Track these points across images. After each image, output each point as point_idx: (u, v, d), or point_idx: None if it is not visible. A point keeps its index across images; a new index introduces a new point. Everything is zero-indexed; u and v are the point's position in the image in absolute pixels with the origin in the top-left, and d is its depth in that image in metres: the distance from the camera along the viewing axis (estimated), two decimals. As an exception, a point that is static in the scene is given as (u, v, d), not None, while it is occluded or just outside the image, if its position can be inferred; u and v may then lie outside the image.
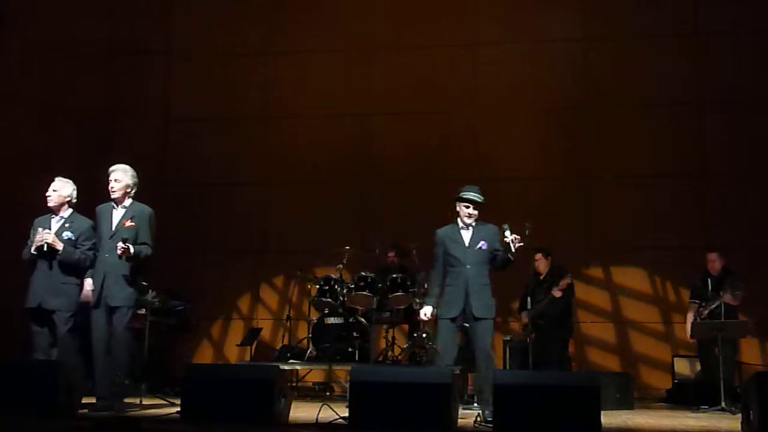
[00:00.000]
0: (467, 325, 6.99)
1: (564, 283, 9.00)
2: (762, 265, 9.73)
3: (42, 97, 10.44)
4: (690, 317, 8.86)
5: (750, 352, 9.82)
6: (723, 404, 8.07)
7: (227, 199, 11.54)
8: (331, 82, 11.47)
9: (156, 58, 12.01)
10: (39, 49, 10.46)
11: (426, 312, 7.12)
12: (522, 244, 6.83)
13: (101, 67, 11.50)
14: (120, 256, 6.78)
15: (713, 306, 8.61)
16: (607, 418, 6.22)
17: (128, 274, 6.90)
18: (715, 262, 8.84)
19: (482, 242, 6.96)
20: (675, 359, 9.87)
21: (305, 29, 11.68)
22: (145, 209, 7.08)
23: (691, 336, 9.01)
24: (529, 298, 8.99)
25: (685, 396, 9.16)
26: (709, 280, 8.78)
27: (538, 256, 9.28)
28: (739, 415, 6.26)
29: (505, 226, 6.99)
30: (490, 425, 6.17)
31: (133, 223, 6.94)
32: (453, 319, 6.93)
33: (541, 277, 9.28)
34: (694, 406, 8.42)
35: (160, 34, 12.03)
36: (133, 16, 11.87)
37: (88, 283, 6.95)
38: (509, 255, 6.86)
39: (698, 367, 9.22)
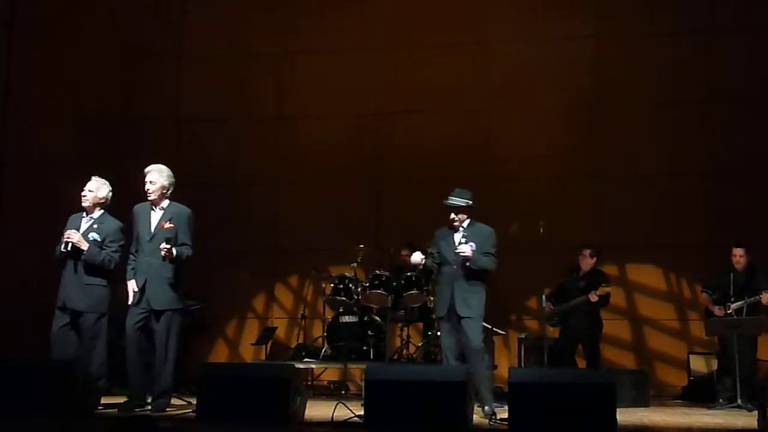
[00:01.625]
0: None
1: (604, 290, 8.95)
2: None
3: (55, 100, 10.48)
4: (717, 311, 8.72)
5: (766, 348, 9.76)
6: (739, 401, 8.03)
7: (241, 199, 11.56)
8: (344, 81, 11.46)
9: (168, 58, 12.02)
10: (52, 52, 10.50)
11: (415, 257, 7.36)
12: (467, 254, 7.02)
13: (114, 70, 11.53)
14: (163, 258, 6.79)
15: (741, 303, 8.51)
16: (623, 415, 6.22)
17: (171, 277, 6.88)
18: (741, 257, 8.69)
19: (471, 243, 7.13)
20: (690, 356, 9.84)
21: (317, 30, 11.68)
22: (183, 210, 7.07)
23: (707, 334, 8.97)
24: (564, 292, 9.01)
25: (700, 393, 9.12)
26: (732, 275, 8.65)
27: (586, 251, 9.22)
28: (756, 413, 6.25)
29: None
30: (494, 420, 6.21)
31: (171, 225, 6.93)
32: (443, 318, 7.18)
33: (579, 274, 9.22)
34: (710, 403, 8.39)
35: (173, 36, 12.05)
36: (145, 17, 11.91)
37: (132, 284, 6.95)
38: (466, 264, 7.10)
39: (714, 364, 9.18)
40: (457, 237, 7.20)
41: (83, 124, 10.74)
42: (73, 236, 6.90)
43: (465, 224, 7.25)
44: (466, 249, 7.04)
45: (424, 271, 7.35)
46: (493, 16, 11.38)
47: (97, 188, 7.14)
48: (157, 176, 7.02)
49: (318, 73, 11.61)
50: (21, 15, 10.26)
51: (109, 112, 11.34)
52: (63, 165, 9.83)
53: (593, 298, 8.90)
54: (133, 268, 7.00)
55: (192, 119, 11.85)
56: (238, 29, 11.93)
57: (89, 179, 7.25)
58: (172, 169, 7.22)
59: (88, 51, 11.04)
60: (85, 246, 6.91)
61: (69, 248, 6.91)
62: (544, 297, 8.74)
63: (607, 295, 9.05)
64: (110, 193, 7.21)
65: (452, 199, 7.25)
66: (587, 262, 9.24)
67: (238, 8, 11.93)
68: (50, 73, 10.46)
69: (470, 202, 7.26)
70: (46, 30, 10.43)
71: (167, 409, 6.86)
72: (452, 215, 7.23)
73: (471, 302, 7.08)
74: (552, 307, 9.15)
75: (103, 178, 7.32)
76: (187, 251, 6.96)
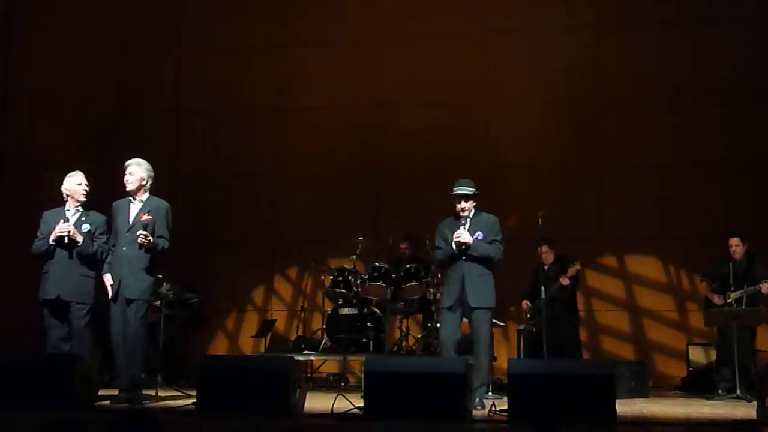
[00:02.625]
0: (465, 318, 7.18)
1: (573, 269, 8.98)
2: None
3: (54, 93, 10.45)
4: (716, 299, 8.69)
5: (766, 339, 9.76)
6: (738, 392, 8.04)
7: (240, 192, 11.56)
8: (343, 73, 11.46)
9: (167, 52, 12.01)
10: (50, 45, 10.47)
11: (461, 235, 7.08)
12: (466, 240, 7.02)
13: (112, 62, 11.51)
14: (140, 246, 6.80)
15: (741, 293, 8.49)
16: (622, 406, 6.22)
17: (145, 267, 6.90)
18: (737, 246, 8.66)
19: (479, 233, 7.13)
20: (690, 347, 9.86)
21: (316, 21, 11.67)
22: (162, 203, 7.09)
23: (706, 324, 8.97)
24: (536, 288, 8.97)
25: (700, 384, 9.13)
26: (731, 264, 8.61)
27: (545, 248, 9.22)
28: (755, 403, 6.25)
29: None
30: (493, 411, 6.22)
31: (149, 217, 6.94)
32: (450, 308, 7.11)
33: (546, 267, 9.23)
34: (709, 394, 8.40)
35: (171, 28, 12.04)
36: (143, 10, 11.88)
37: (107, 278, 6.98)
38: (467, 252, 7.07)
39: (713, 355, 9.19)
40: (464, 227, 7.14)
41: (82, 117, 10.72)
42: (69, 228, 6.91)
43: (471, 214, 7.21)
44: (465, 235, 7.02)
45: (450, 258, 7.26)
46: (491, 7, 11.36)
47: (83, 181, 7.20)
48: (136, 168, 7.04)
49: (317, 65, 11.59)
50: (19, 8, 10.23)
51: (108, 105, 11.32)
52: (62, 159, 9.79)
53: (564, 281, 8.97)
54: (109, 262, 7.02)
55: (191, 112, 11.86)
56: (236, 22, 11.91)
57: (91, 173, 7.29)
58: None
59: (87, 44, 11.03)
60: (80, 238, 6.95)
61: (66, 241, 6.92)
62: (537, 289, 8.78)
63: (577, 274, 9.08)
64: None
65: (461, 188, 7.19)
66: (549, 256, 9.24)
67: (236, 1, 11.91)
68: (49, 67, 10.43)
69: (476, 191, 7.23)
70: (44, 23, 10.40)
71: (169, 401, 6.88)
72: (462, 204, 7.16)
73: (483, 293, 7.07)
74: (530, 305, 9.17)
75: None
76: (163, 243, 6.97)
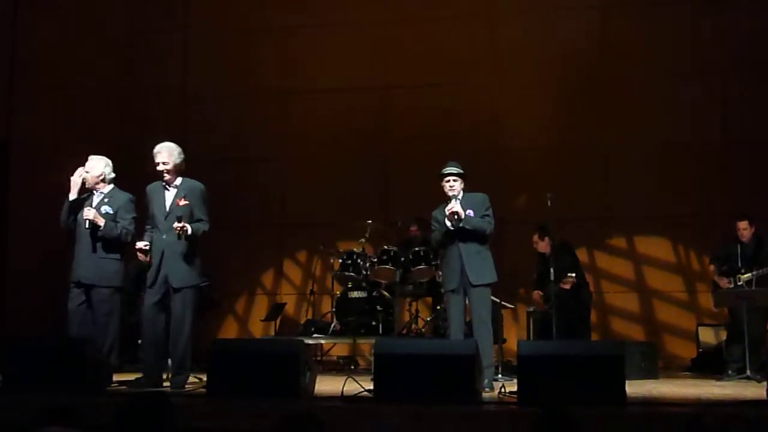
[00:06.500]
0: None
1: (568, 281, 8.87)
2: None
3: (63, 78, 10.45)
4: (723, 283, 8.65)
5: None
6: (748, 372, 8.03)
7: (249, 175, 11.56)
8: (349, 55, 11.42)
9: (174, 35, 11.99)
10: (59, 29, 10.46)
11: (453, 206, 7.11)
12: (458, 210, 7.02)
13: (120, 46, 11.50)
14: (179, 236, 6.72)
15: (750, 276, 8.44)
16: (632, 387, 6.22)
17: (187, 254, 6.79)
18: (745, 230, 8.61)
19: (470, 211, 7.15)
20: (699, 328, 9.84)
21: (322, 3, 11.62)
22: (197, 185, 7.00)
23: (716, 306, 8.95)
24: (542, 275, 8.92)
25: (709, 365, 9.12)
26: (740, 247, 8.57)
27: (534, 238, 9.11)
28: (765, 383, 6.25)
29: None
30: (503, 393, 6.22)
31: (186, 201, 6.85)
32: (454, 291, 7.14)
33: (546, 255, 9.11)
34: (719, 374, 8.39)
35: (178, 11, 12.01)
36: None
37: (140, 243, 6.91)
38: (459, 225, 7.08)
39: (723, 335, 9.17)
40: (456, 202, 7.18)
41: (89, 102, 10.72)
42: (89, 213, 6.90)
43: (460, 195, 7.23)
44: (456, 206, 7.05)
45: (445, 236, 7.30)
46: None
47: (93, 167, 7.15)
48: (168, 156, 6.88)
49: (324, 47, 11.55)
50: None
51: (115, 89, 11.31)
52: (70, 144, 9.82)
53: (565, 286, 8.84)
54: (150, 241, 6.91)
55: (198, 95, 11.83)
56: (243, 4, 11.86)
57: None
58: (178, 145, 7.14)
59: (94, 29, 11.00)
60: (101, 222, 6.92)
61: (87, 226, 6.92)
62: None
63: (577, 279, 8.94)
64: (108, 167, 7.22)
65: (451, 168, 7.26)
66: (542, 246, 9.06)
67: (243, -16, 11.89)
68: (56, 52, 10.42)
69: (462, 172, 7.28)
70: (51, 9, 10.39)
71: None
72: (451, 183, 7.20)
73: (483, 269, 7.11)
74: (541, 294, 9.12)
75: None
76: (203, 227, 6.90)
